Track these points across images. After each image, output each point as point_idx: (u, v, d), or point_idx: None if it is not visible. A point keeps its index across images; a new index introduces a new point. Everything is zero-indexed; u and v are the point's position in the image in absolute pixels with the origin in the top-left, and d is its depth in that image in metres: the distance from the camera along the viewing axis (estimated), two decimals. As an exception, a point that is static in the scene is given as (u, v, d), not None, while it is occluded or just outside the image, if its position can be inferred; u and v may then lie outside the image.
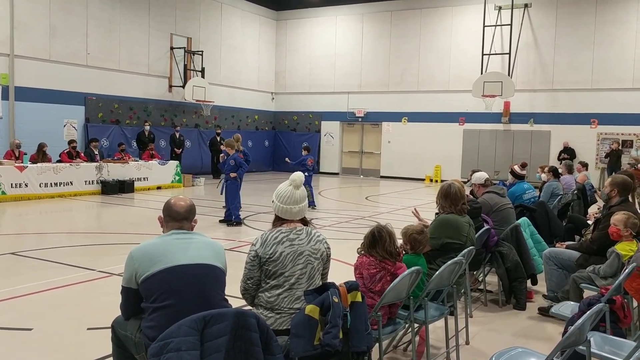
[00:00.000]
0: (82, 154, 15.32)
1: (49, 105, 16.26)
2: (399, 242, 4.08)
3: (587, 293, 4.78)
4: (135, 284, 2.99)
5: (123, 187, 15.09)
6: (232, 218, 10.55)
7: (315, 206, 13.12)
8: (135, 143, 18.56)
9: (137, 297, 3.02)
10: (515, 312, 5.65)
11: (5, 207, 12.01)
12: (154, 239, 3.08)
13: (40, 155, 14.27)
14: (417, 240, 4.22)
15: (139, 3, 19.03)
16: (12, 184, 12.78)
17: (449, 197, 4.90)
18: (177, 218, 3.12)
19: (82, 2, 17.16)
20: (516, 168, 8.35)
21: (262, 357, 2.54)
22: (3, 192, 12.60)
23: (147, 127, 18.48)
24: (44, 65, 16.19)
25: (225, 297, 3.10)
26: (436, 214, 5.14)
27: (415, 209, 5.68)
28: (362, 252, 3.89)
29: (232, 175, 10.50)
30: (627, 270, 4.14)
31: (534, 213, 7.18)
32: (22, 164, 13.25)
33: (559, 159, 18.36)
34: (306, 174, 12.30)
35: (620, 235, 4.79)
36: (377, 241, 3.81)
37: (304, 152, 13.31)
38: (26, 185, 13.08)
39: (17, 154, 13.80)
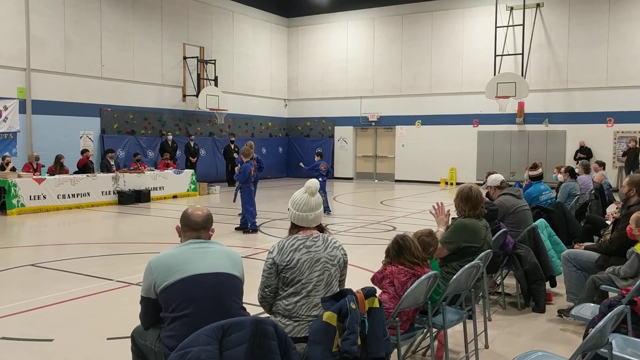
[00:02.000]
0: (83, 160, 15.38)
1: (65, 118, 16.49)
2: None
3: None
4: (154, 294, 3.02)
5: (139, 197, 15.22)
6: (247, 225, 10.60)
7: (330, 211, 13.12)
8: (150, 153, 18.84)
9: (156, 307, 3.04)
10: (534, 315, 5.60)
11: (25, 219, 12.17)
12: (172, 248, 3.11)
13: (58, 167, 14.46)
14: (426, 243, 4.20)
15: (152, 14, 19.24)
16: (30, 196, 12.95)
17: (469, 200, 4.84)
18: (195, 227, 3.15)
19: (96, 15, 17.40)
20: (530, 173, 8.31)
21: (280, 365, 2.55)
22: (22, 204, 12.77)
23: (170, 137, 18.86)
24: (59, 78, 16.43)
25: (243, 305, 3.11)
26: (453, 218, 5.10)
27: (435, 208, 5.12)
28: (389, 262, 3.87)
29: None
30: (647, 271, 4.09)
31: (551, 214, 7.10)
32: (40, 176, 13.42)
33: (575, 159, 18.17)
34: (320, 179, 12.32)
35: (633, 234, 4.72)
36: (403, 248, 3.81)
37: (316, 158, 13.35)
38: (44, 197, 13.24)
39: (35, 167, 14.00)
